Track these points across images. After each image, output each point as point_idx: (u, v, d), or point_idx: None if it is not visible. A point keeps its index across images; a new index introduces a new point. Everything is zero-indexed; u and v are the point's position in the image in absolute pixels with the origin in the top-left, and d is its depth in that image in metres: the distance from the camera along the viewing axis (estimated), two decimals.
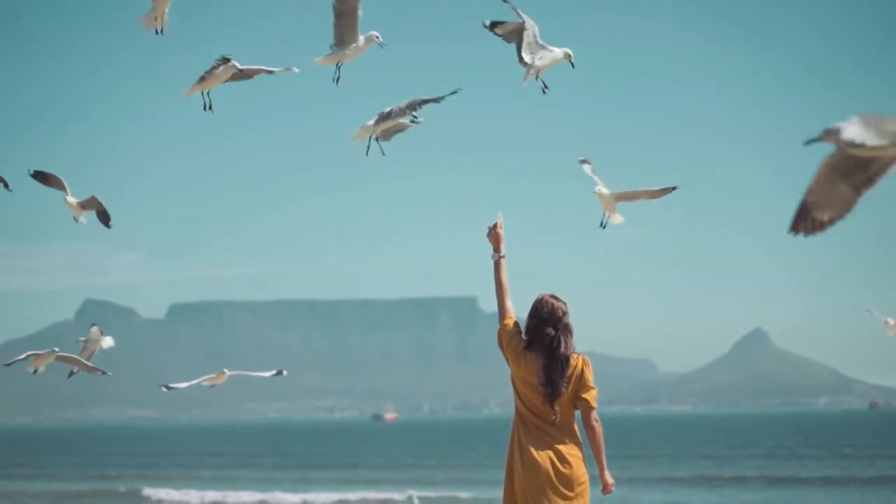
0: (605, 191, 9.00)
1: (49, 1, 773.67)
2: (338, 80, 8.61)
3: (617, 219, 9.08)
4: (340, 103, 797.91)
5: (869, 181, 5.80)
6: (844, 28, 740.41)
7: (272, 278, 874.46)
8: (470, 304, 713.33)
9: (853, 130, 5.42)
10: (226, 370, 9.74)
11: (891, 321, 11.16)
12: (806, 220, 6.09)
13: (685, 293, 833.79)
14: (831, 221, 5.91)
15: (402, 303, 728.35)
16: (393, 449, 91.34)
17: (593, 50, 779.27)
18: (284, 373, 10.22)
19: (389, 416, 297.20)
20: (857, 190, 5.77)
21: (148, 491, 46.40)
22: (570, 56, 8.64)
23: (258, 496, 44.47)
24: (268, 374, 9.90)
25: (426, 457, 75.38)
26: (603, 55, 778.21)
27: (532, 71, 8.64)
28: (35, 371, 10.02)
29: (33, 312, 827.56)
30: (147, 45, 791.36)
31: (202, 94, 8.73)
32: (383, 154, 8.94)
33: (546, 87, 8.77)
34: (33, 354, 9.82)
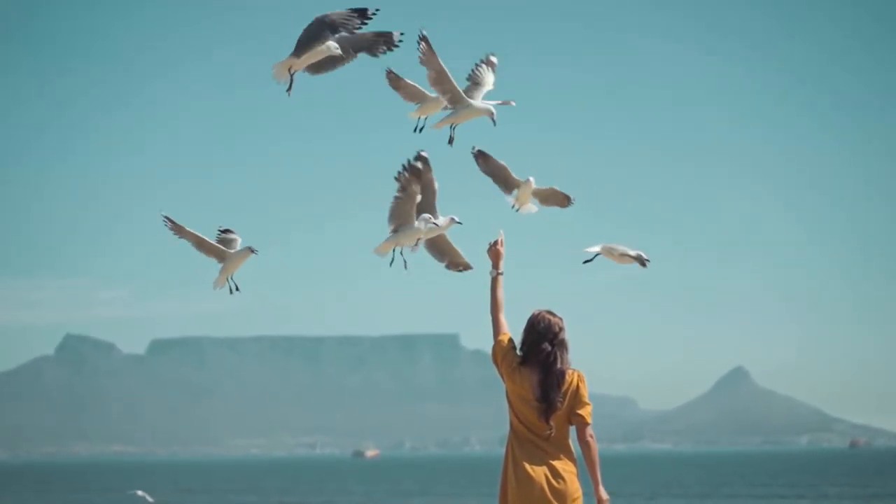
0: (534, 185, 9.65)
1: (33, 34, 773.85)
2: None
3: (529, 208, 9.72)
4: (328, 134, 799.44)
5: None
6: (853, 53, 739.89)
7: (253, 314, 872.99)
8: (451, 341, 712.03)
9: None
10: (251, 247, 9.36)
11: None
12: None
13: (666, 330, 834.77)
14: None
15: (384, 340, 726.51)
16: (374, 486, 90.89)
17: (591, 72, 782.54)
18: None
19: (370, 452, 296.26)
20: None
21: None
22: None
23: None
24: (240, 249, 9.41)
25: (408, 493, 75.04)
26: (599, 78, 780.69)
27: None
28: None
29: (13, 347, 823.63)
30: (139, 73, 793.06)
31: (290, 72, 8.50)
32: (406, 268, 9.32)
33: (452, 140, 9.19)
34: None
